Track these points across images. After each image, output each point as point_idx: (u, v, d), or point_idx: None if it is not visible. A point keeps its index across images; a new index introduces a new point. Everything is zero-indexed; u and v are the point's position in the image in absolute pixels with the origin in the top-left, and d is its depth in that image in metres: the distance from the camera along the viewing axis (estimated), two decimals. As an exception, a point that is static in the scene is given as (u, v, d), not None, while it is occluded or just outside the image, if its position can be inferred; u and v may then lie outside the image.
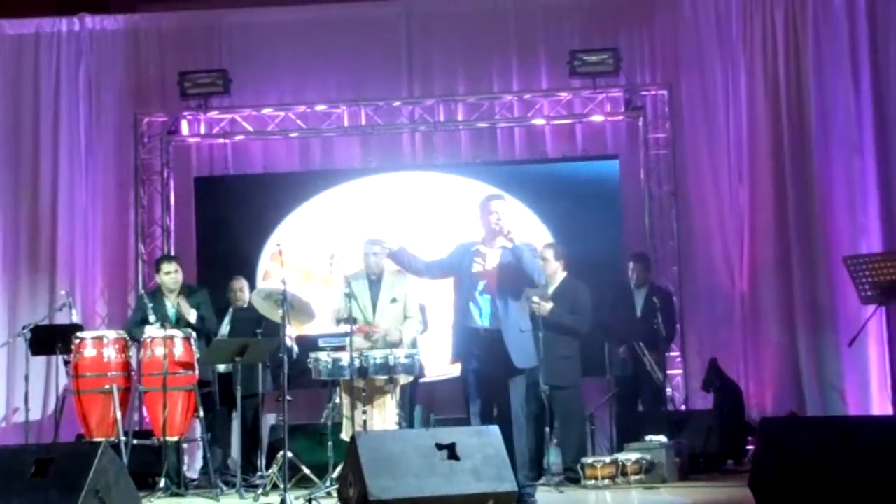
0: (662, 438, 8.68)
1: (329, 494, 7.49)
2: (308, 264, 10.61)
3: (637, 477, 8.37)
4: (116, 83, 11.27)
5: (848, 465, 5.53)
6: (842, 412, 10.02)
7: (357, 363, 7.66)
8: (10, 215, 11.14)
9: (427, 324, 8.74)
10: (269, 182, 11.09)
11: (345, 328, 7.76)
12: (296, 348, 8.93)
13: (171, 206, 11.10)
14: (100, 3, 11.73)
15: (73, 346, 8.25)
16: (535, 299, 7.94)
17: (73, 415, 8.41)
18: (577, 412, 8.79)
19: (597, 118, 10.90)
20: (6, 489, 5.95)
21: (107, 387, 8.08)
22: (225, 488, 8.30)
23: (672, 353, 10.27)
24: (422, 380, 9.03)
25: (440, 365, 9.56)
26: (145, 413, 8.65)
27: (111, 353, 8.20)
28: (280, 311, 7.60)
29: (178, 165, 11.24)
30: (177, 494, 8.17)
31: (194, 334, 8.43)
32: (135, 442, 8.23)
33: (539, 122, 10.99)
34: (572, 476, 8.46)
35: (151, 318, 8.50)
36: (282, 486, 7.17)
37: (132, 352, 8.46)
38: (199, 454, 9.46)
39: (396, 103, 11.05)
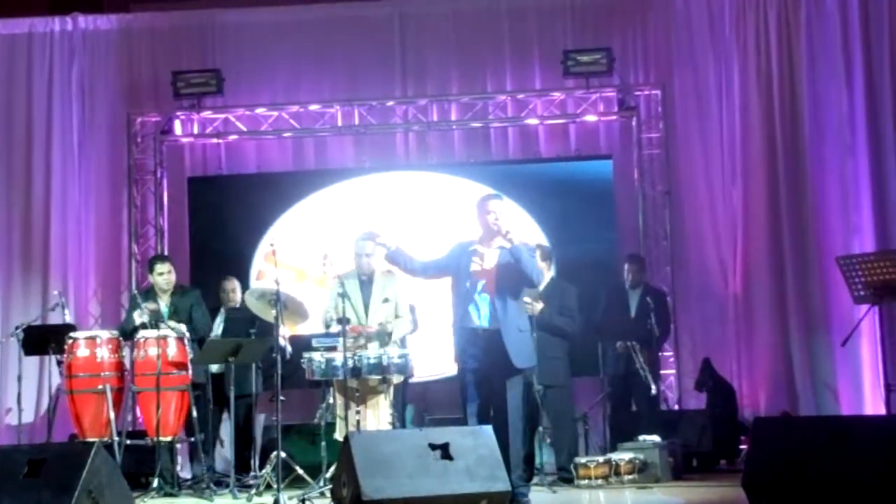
0: (656, 438, 8.70)
1: (322, 494, 7.48)
2: (302, 264, 10.60)
3: (630, 477, 8.38)
4: (109, 83, 11.27)
5: (841, 464, 5.54)
6: (835, 412, 10.03)
7: (350, 363, 7.65)
8: (2, 215, 11.13)
9: (417, 323, 8.74)
10: (262, 182, 11.09)
11: (335, 329, 7.76)
12: (289, 348, 8.92)
13: (164, 206, 11.10)
14: (93, 2, 11.73)
15: (66, 347, 8.22)
16: (527, 299, 7.93)
17: (67, 415, 8.40)
18: (569, 412, 8.81)
19: (590, 118, 10.90)
20: (-1, 489, 5.95)
21: (100, 387, 8.06)
22: (218, 489, 8.29)
23: (665, 353, 10.28)
24: (414, 380, 9.02)
25: (433, 365, 9.57)
26: (139, 413, 8.64)
27: (104, 353, 8.17)
28: (273, 311, 7.60)
29: (171, 165, 11.24)
30: (170, 494, 8.16)
31: (188, 334, 8.42)
32: (128, 442, 8.22)
33: (532, 121, 11.00)
34: (565, 476, 8.47)
35: (145, 317, 8.48)
36: (275, 486, 7.16)
37: (125, 352, 8.44)
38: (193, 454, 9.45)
39: (390, 103, 11.06)
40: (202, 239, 10.89)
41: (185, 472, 9.38)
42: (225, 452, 9.35)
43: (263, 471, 8.35)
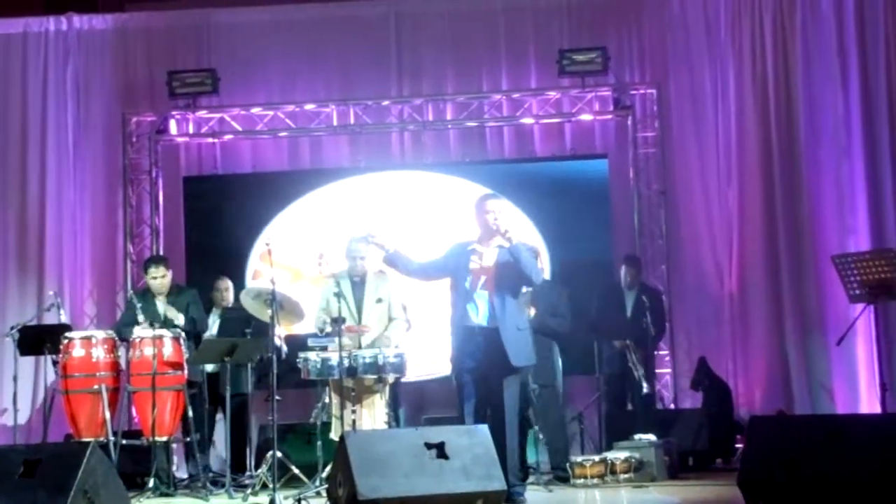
0: (652, 437, 8.70)
1: (318, 494, 7.48)
2: (297, 264, 10.60)
3: (626, 476, 8.38)
4: (105, 83, 11.25)
5: (837, 463, 5.54)
6: (830, 411, 10.04)
7: (346, 362, 7.65)
8: (-2, 216, 11.12)
9: (409, 322, 8.75)
10: (257, 181, 11.09)
11: (330, 328, 7.77)
12: (285, 348, 8.91)
13: (159, 205, 11.09)
14: (88, 2, 11.71)
15: (61, 347, 8.22)
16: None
17: (62, 415, 8.38)
18: (559, 410, 8.83)
19: (586, 117, 10.91)
20: (-6, 490, 5.94)
21: (95, 387, 8.06)
22: (214, 489, 8.28)
23: (661, 352, 10.29)
24: (409, 379, 9.00)
25: (428, 364, 9.57)
26: (134, 413, 8.62)
27: (100, 354, 8.17)
28: (269, 311, 7.59)
29: (166, 165, 11.22)
30: (166, 494, 8.15)
31: (183, 334, 8.41)
32: (124, 442, 8.19)
33: (528, 121, 11.00)
34: (560, 474, 8.48)
35: (140, 318, 8.47)
36: (271, 485, 7.16)
37: (121, 352, 8.44)
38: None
39: (385, 102, 11.05)
40: (198, 239, 10.89)
41: (180, 472, 9.37)
42: (219, 452, 9.35)
43: (259, 470, 8.34)
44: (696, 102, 10.88)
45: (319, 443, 7.93)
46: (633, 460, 8.45)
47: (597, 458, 8.46)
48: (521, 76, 11.13)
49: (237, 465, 8.79)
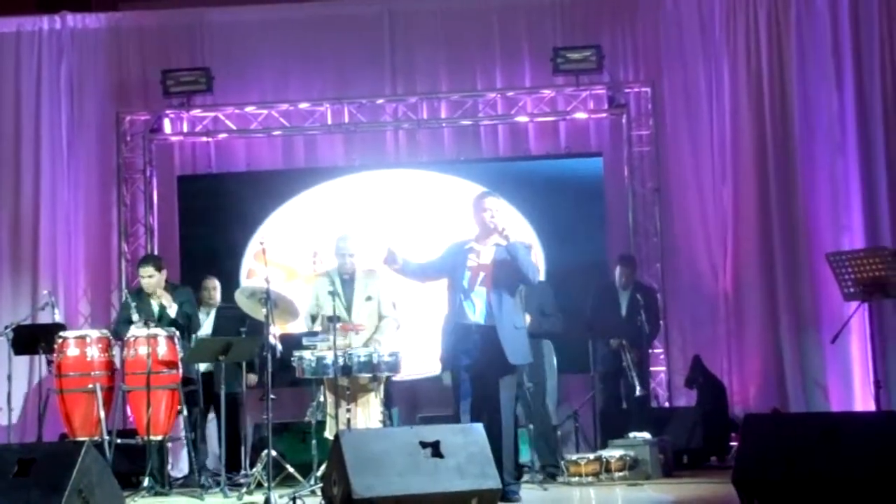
0: (646, 435, 8.70)
1: (313, 493, 7.47)
2: (292, 262, 10.59)
3: (621, 474, 8.39)
4: (98, 82, 11.24)
5: (831, 461, 5.55)
6: (825, 408, 10.05)
7: (341, 361, 7.65)
8: (-8, 215, 11.11)
9: (398, 321, 8.73)
10: (252, 180, 11.08)
11: (319, 327, 7.76)
12: (279, 346, 8.91)
13: (153, 204, 11.08)
14: (81, 1, 11.69)
15: (55, 346, 8.20)
16: None
17: (57, 414, 8.36)
18: (545, 408, 8.81)
19: (580, 115, 10.90)
20: (-11, 489, 5.93)
21: (90, 386, 8.04)
22: (209, 487, 8.27)
23: (656, 350, 10.30)
24: (403, 378, 8.98)
25: (421, 363, 9.56)
26: (129, 412, 8.61)
27: (94, 353, 8.15)
28: (264, 310, 7.58)
29: (160, 164, 11.22)
30: (161, 494, 8.14)
31: (178, 333, 8.39)
32: (118, 441, 8.17)
33: (522, 119, 11.00)
34: (552, 472, 8.49)
35: (135, 317, 8.46)
36: (266, 484, 7.15)
37: (115, 351, 8.43)
38: (183, 453, 9.43)
39: (379, 101, 11.05)
40: (192, 237, 10.88)
41: (175, 471, 9.36)
42: (213, 450, 9.34)
43: (254, 469, 8.34)
44: (691, 100, 10.89)
45: (314, 441, 7.92)
46: (627, 458, 8.46)
47: (591, 456, 8.46)
48: (515, 74, 11.13)
49: (232, 463, 8.79)
